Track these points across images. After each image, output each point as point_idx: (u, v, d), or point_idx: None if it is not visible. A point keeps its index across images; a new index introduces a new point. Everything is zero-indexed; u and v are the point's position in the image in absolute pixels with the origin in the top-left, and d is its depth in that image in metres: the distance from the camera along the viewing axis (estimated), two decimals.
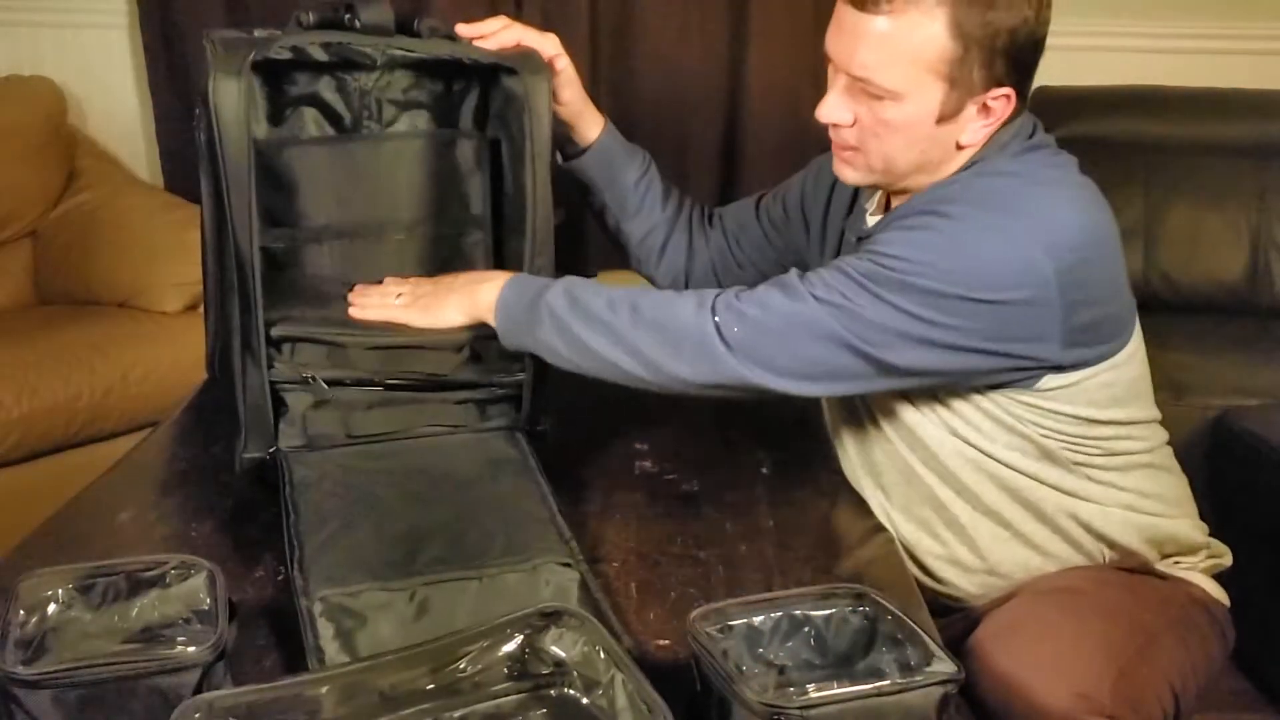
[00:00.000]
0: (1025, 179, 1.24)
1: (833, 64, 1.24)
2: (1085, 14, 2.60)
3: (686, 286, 1.56)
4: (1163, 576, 1.34)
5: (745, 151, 2.70)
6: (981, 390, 1.26)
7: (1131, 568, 1.33)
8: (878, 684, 0.89)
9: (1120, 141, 2.54)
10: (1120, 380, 1.28)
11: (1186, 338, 2.32)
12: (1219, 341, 2.36)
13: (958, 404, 1.27)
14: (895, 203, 1.33)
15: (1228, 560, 1.41)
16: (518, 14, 2.67)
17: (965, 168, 1.26)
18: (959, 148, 1.25)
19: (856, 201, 1.41)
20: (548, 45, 1.36)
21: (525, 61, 1.31)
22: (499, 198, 1.45)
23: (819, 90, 1.31)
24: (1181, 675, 1.25)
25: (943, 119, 1.21)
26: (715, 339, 1.19)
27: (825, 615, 0.99)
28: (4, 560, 1.16)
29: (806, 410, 1.53)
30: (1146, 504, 1.33)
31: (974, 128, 1.23)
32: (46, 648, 0.93)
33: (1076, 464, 1.28)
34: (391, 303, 1.32)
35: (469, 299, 1.29)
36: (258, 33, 1.26)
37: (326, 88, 1.36)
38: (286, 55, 1.26)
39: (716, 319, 1.20)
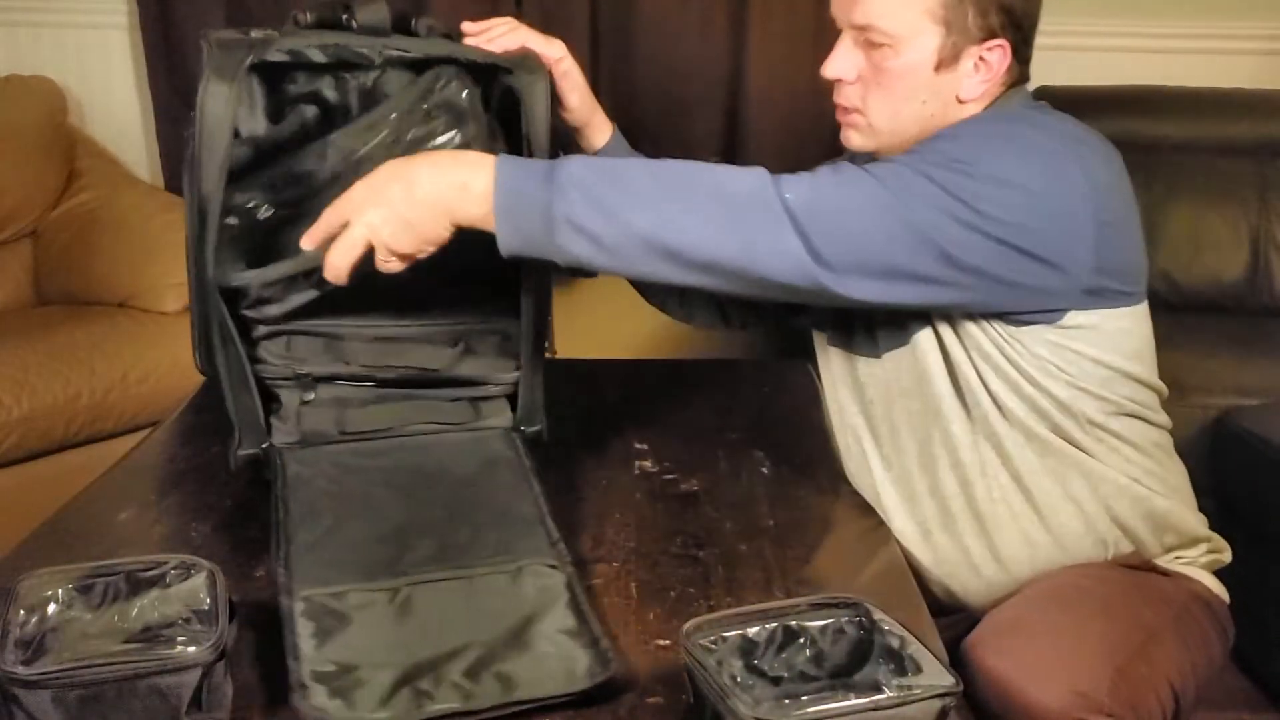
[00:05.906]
0: (1048, 115, 1.31)
1: (837, 23, 1.30)
2: (1085, 14, 2.59)
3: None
4: (1164, 573, 1.34)
5: (745, 151, 2.70)
6: (1009, 329, 1.26)
7: (1134, 564, 1.33)
8: (874, 698, 0.88)
9: (1120, 141, 2.48)
10: (1138, 332, 1.32)
11: (1186, 338, 2.31)
12: (1219, 341, 2.36)
13: (986, 349, 1.27)
14: None
15: (1227, 556, 1.41)
16: (517, 13, 2.67)
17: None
18: (959, 102, 1.29)
19: None
20: (553, 49, 1.36)
21: (522, 61, 1.30)
22: None
23: (819, 90, 1.31)
24: (1181, 674, 1.25)
25: (940, 66, 1.27)
26: (780, 210, 1.15)
27: (821, 626, 0.98)
28: (4, 560, 1.16)
29: (807, 409, 1.53)
30: (1152, 482, 1.34)
31: (971, 81, 1.28)
32: (46, 648, 0.92)
33: (1092, 423, 1.29)
34: (355, 237, 1.13)
35: (453, 199, 1.12)
36: (255, 33, 1.26)
37: (327, 85, 1.36)
38: (283, 58, 1.26)
39: (785, 194, 1.16)
